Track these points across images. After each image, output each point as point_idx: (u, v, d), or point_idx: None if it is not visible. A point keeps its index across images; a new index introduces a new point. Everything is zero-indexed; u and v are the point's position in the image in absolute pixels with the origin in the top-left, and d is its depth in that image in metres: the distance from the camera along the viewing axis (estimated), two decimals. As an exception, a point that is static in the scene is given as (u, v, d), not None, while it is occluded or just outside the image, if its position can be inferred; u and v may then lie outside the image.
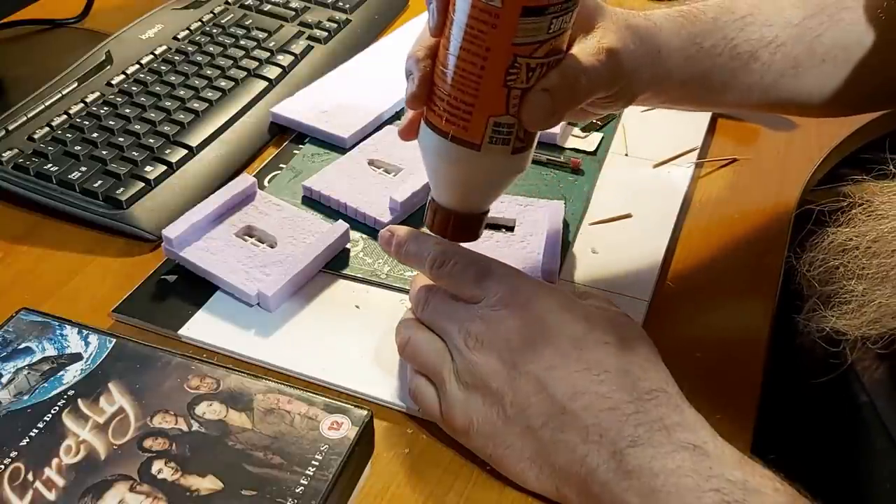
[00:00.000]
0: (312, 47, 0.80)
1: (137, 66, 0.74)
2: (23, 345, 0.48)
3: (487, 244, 0.58)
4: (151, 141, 0.66)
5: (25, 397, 0.45)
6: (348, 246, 0.60)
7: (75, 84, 0.72)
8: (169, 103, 0.69)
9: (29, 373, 0.47)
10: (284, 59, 0.77)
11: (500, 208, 0.61)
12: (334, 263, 0.58)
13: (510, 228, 0.60)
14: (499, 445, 0.44)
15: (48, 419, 0.44)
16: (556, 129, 0.68)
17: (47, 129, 0.66)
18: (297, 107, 0.71)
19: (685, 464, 0.40)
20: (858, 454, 0.53)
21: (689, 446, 0.40)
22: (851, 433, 0.54)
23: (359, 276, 0.58)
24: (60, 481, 0.41)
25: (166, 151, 0.65)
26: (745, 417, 0.49)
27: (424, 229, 0.51)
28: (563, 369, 0.43)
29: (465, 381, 0.45)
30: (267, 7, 0.84)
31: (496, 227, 0.60)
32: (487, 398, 0.45)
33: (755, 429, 0.49)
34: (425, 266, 0.49)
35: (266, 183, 0.66)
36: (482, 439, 0.45)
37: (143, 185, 0.63)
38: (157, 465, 0.42)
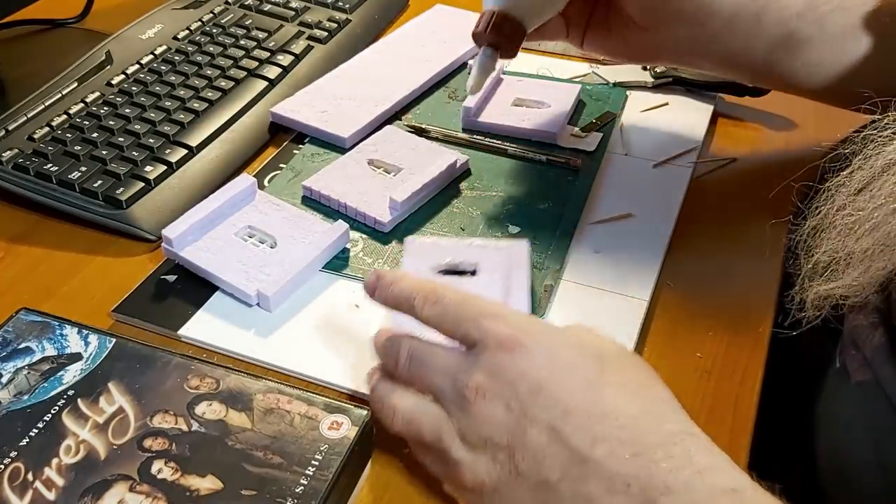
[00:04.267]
0: (312, 47, 0.80)
1: (137, 66, 0.74)
2: (23, 345, 0.48)
3: None
4: (151, 141, 0.66)
5: (25, 397, 0.45)
6: (348, 246, 0.60)
7: (75, 84, 0.72)
8: (169, 103, 0.69)
9: (29, 373, 0.47)
10: (284, 59, 0.77)
11: (457, 254, 0.56)
12: (334, 263, 0.58)
13: (473, 273, 0.56)
14: None
15: (48, 419, 0.44)
16: (556, 129, 0.68)
17: (47, 129, 0.66)
18: (297, 107, 0.71)
19: None
20: (861, 428, 0.52)
21: (728, 490, 0.37)
22: (853, 407, 0.53)
23: (358, 275, 0.57)
24: (60, 481, 0.41)
25: (166, 151, 0.65)
26: (745, 417, 0.49)
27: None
28: (579, 415, 0.39)
29: (470, 442, 0.40)
30: (267, 7, 0.84)
31: (457, 272, 0.56)
32: (498, 455, 0.40)
33: (755, 427, 0.49)
34: (415, 305, 0.44)
35: (266, 183, 0.66)
36: (494, 498, 0.40)
37: (143, 185, 0.63)
38: (156, 465, 0.42)
